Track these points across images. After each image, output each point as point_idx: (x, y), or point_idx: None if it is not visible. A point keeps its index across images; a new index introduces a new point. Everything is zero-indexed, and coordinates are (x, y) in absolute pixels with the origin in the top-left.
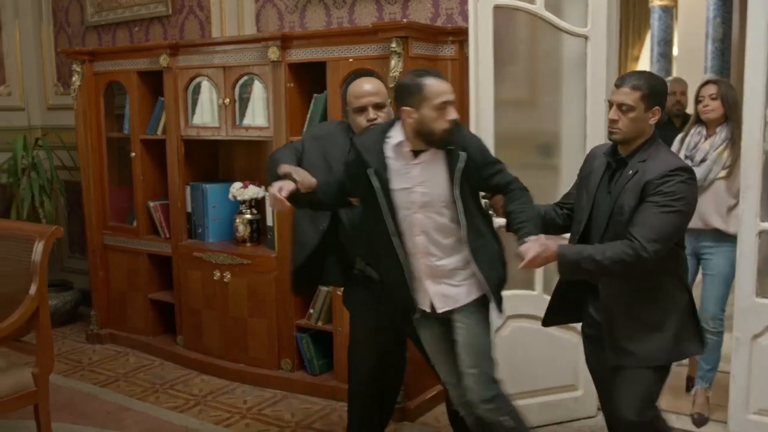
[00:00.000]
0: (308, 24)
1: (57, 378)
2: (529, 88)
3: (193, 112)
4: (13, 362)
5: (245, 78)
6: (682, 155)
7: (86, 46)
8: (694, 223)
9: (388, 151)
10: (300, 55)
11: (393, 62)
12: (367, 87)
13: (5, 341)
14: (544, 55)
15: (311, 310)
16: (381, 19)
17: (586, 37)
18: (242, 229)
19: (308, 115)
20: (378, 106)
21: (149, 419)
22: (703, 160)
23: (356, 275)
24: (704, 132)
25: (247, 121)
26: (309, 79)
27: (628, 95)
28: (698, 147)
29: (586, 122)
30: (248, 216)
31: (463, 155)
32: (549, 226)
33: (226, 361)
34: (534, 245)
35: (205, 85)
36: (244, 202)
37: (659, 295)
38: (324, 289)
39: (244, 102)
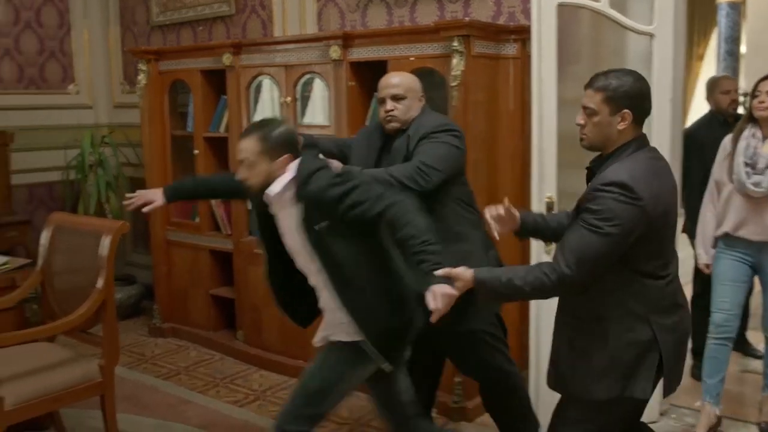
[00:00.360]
0: (369, 23)
1: (121, 370)
2: None
3: (255, 111)
4: (81, 353)
5: (307, 77)
6: (740, 161)
7: (152, 46)
8: (757, 236)
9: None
10: (361, 53)
11: (455, 61)
12: (392, 80)
13: (74, 333)
14: (607, 54)
15: None
16: (442, 17)
17: (651, 35)
18: None
19: (369, 114)
20: (396, 98)
21: (209, 412)
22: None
23: None
24: (759, 134)
25: (307, 120)
26: (370, 77)
27: (591, 98)
28: (758, 153)
29: (652, 122)
30: None
31: (300, 205)
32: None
33: (285, 357)
34: (438, 290)
35: (266, 83)
36: None
37: (604, 327)
38: None
39: (305, 100)
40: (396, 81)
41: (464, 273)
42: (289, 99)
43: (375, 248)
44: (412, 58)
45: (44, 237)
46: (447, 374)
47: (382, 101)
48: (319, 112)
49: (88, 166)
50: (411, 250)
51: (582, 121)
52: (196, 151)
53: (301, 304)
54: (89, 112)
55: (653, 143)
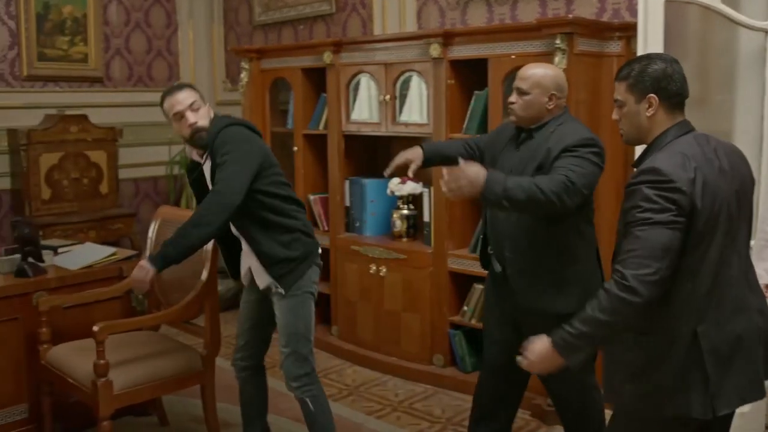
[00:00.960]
0: (469, 20)
1: (220, 360)
2: (701, 85)
3: (353, 109)
4: (184, 343)
5: (406, 75)
6: None
7: (254, 45)
8: None
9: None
10: (461, 51)
11: (557, 59)
12: (524, 71)
13: (177, 322)
14: (717, 51)
15: (465, 308)
16: (544, 14)
17: (766, 31)
18: (399, 224)
19: (468, 113)
20: (520, 91)
21: None
22: None
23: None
24: None
25: (403, 118)
26: (469, 75)
27: (617, 89)
28: None
29: (763, 122)
30: (405, 211)
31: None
32: None
33: (379, 354)
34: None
35: (364, 81)
36: (401, 197)
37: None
38: (479, 286)
39: (402, 98)
40: (525, 74)
41: (542, 348)
42: (388, 97)
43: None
44: (513, 56)
45: (152, 229)
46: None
47: (512, 91)
48: (415, 111)
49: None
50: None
51: (616, 116)
52: (295, 148)
53: (234, 257)
54: None
55: (765, 144)
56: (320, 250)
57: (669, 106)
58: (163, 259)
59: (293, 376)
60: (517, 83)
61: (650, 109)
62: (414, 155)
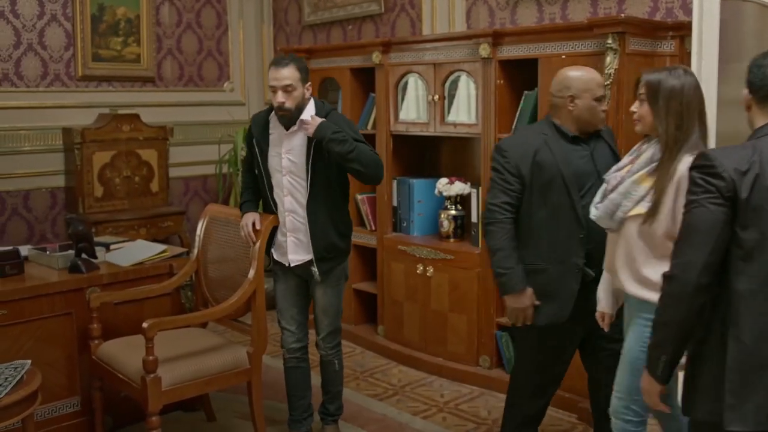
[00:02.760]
0: (519, 20)
1: (266, 358)
2: None
3: (401, 108)
4: (231, 340)
5: (455, 75)
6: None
7: (303, 45)
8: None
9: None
10: (511, 51)
11: (608, 59)
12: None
13: (224, 320)
14: None
15: None
16: (595, 14)
17: None
18: (447, 225)
19: (517, 113)
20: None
21: (350, 405)
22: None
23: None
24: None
25: (451, 118)
26: (519, 75)
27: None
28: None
29: None
30: (453, 212)
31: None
32: None
33: (425, 354)
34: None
35: (411, 81)
36: (449, 197)
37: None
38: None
39: (450, 98)
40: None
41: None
42: (437, 97)
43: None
44: (563, 56)
45: (200, 227)
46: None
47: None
48: (463, 111)
49: (240, 161)
50: None
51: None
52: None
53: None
54: (242, 108)
55: None
56: None
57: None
58: (331, 134)
59: (332, 345)
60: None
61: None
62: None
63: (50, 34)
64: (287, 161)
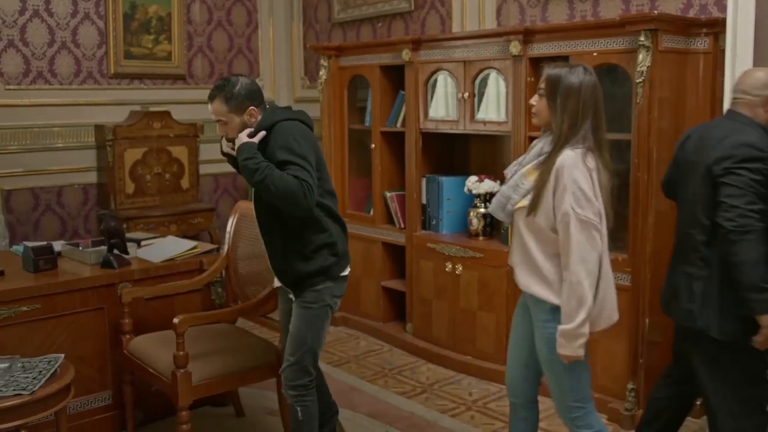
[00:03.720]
0: (550, 17)
1: None
2: None
3: (430, 106)
4: (260, 337)
5: (485, 72)
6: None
7: (332, 42)
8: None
9: None
10: (542, 49)
11: (641, 56)
12: None
13: (255, 316)
14: None
15: None
16: (627, 11)
17: None
18: (476, 223)
19: None
20: None
21: (377, 402)
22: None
23: None
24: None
25: (480, 116)
26: None
27: None
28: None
29: None
30: (482, 210)
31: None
32: None
33: (454, 352)
34: None
35: (441, 78)
36: (478, 195)
37: None
38: None
39: (479, 96)
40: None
41: None
42: (467, 94)
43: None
44: (594, 54)
45: (230, 224)
46: (620, 379)
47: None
48: (492, 108)
49: None
50: None
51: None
52: (372, 145)
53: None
54: None
55: None
56: (348, 267)
57: None
58: (242, 160)
59: (292, 385)
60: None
61: None
62: None
63: (83, 32)
64: None
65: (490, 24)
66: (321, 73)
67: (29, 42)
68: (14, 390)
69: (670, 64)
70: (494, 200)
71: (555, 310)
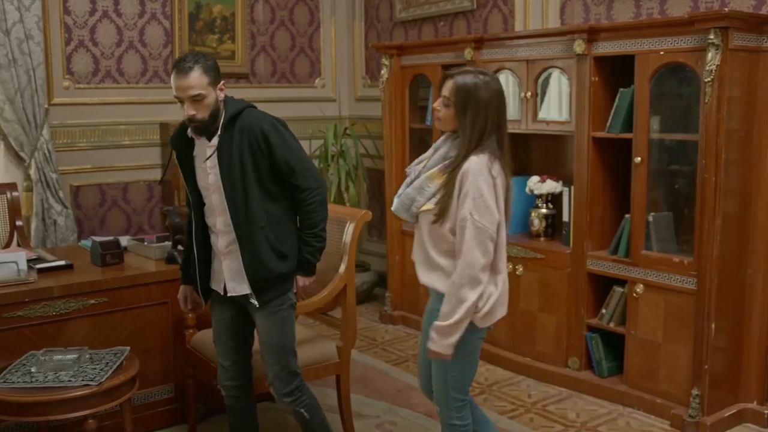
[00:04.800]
0: (615, 16)
1: (354, 353)
2: None
3: None
4: (321, 334)
5: (548, 71)
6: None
7: (394, 41)
8: None
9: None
10: (606, 48)
11: (710, 55)
12: None
13: (315, 313)
14: None
15: (603, 310)
16: (696, 8)
17: None
18: (537, 223)
19: (612, 111)
20: None
21: None
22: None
23: None
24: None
25: (542, 115)
26: (614, 72)
27: None
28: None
29: None
30: (544, 210)
31: (246, 138)
32: None
33: (513, 354)
34: None
35: (502, 78)
36: (540, 196)
37: None
38: (619, 289)
39: (541, 95)
40: None
41: None
42: (529, 94)
43: None
44: (661, 53)
45: None
46: (684, 385)
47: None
48: (554, 108)
49: (330, 156)
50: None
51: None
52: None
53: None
54: (333, 104)
55: None
56: None
57: None
58: (314, 267)
59: (285, 393)
60: None
61: None
62: None
63: (150, 32)
64: (213, 177)
65: (553, 22)
66: (382, 72)
67: (98, 42)
68: (82, 380)
69: (740, 63)
70: (398, 201)
71: None
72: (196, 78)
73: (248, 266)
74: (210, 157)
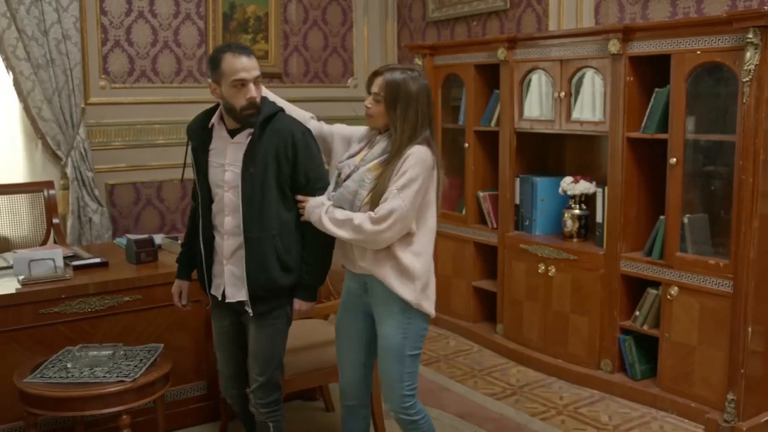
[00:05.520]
0: (651, 15)
1: None
2: None
3: (523, 105)
4: None
5: (582, 71)
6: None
7: (426, 41)
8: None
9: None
10: (642, 47)
11: (748, 55)
12: None
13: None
14: None
15: (637, 312)
16: (734, 7)
17: None
18: (570, 224)
19: (647, 111)
20: None
21: (466, 402)
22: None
23: None
24: None
25: (576, 115)
26: (649, 72)
27: None
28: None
29: None
30: (577, 211)
31: (275, 141)
32: None
33: (545, 355)
34: None
35: (535, 78)
36: (573, 196)
37: None
38: (653, 291)
39: (574, 95)
40: None
41: None
42: (563, 94)
43: None
44: (698, 52)
45: None
46: (719, 389)
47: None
48: (587, 108)
49: None
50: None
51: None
52: (466, 145)
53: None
54: None
55: None
56: None
57: None
58: (314, 292)
59: (264, 403)
60: None
61: None
62: None
63: (184, 32)
64: (231, 174)
65: (587, 22)
66: None
67: (134, 42)
68: (117, 377)
69: None
70: (337, 193)
71: (407, 304)
72: (255, 60)
73: (250, 272)
74: (228, 153)
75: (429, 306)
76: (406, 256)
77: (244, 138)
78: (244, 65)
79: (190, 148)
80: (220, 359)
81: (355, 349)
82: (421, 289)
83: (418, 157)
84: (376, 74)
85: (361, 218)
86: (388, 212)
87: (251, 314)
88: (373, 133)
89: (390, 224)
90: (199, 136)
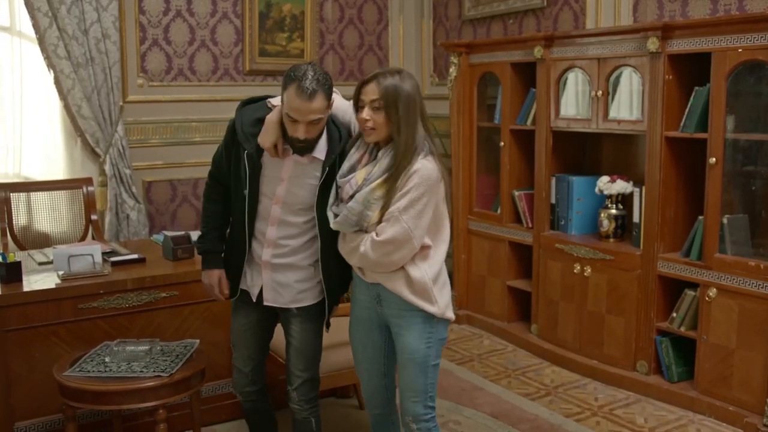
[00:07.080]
0: (690, 12)
1: None
2: None
3: (560, 104)
4: None
5: (620, 70)
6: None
7: (462, 39)
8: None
9: None
10: (681, 45)
11: None
12: None
13: None
14: None
15: (674, 314)
16: None
17: None
18: (606, 224)
19: (686, 110)
20: None
21: (500, 402)
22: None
23: None
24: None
25: (613, 114)
26: (688, 70)
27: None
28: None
29: None
30: (614, 211)
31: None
32: None
33: (579, 356)
34: None
35: (572, 76)
36: (610, 196)
37: None
38: (690, 292)
39: (612, 94)
40: None
41: None
42: (600, 92)
43: None
44: (739, 50)
45: None
46: (758, 393)
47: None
48: (624, 106)
49: None
50: None
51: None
52: (501, 143)
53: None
54: None
55: None
56: None
57: None
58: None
59: (307, 399)
60: None
61: None
62: None
63: (221, 30)
64: (285, 190)
65: (626, 20)
66: (451, 70)
67: (171, 41)
68: (154, 372)
69: None
70: (341, 217)
71: (430, 315)
72: (319, 103)
73: (332, 287)
74: (286, 165)
75: (450, 311)
76: (417, 269)
77: (307, 159)
78: (299, 108)
79: (245, 154)
80: (239, 355)
81: (374, 359)
82: (439, 296)
83: (422, 175)
84: (364, 84)
85: (365, 245)
86: (391, 238)
87: (295, 311)
88: (370, 148)
89: (393, 249)
90: (253, 141)
